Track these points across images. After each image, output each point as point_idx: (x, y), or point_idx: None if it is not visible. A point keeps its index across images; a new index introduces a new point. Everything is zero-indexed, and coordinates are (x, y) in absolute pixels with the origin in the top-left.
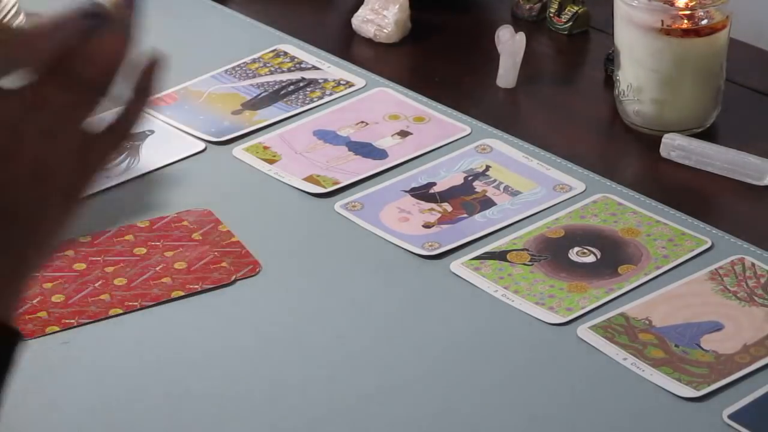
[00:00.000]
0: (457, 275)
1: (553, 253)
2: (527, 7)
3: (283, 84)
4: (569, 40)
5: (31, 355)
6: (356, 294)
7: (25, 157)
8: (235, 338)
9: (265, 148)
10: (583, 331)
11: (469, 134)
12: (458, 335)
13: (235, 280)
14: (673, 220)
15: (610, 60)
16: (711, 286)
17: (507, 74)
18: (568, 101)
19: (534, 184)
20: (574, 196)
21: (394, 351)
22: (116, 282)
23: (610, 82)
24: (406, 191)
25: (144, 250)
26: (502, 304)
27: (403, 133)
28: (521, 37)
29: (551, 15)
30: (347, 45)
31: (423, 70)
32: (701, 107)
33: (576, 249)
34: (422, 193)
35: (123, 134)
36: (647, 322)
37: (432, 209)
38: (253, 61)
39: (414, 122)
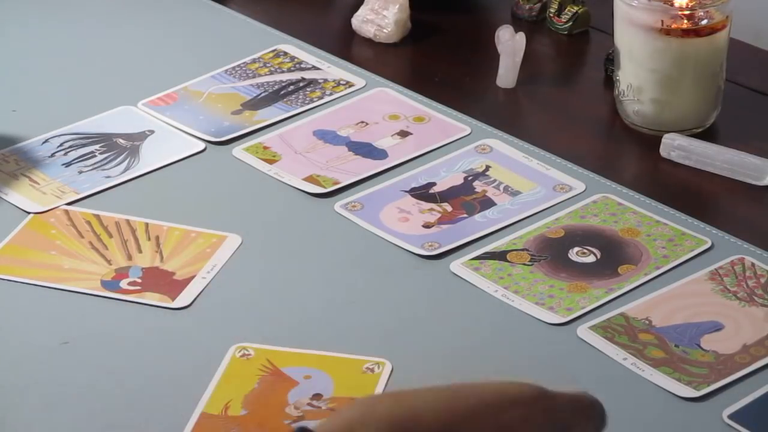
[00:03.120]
0: (457, 275)
1: (553, 253)
2: (527, 7)
3: (283, 84)
4: (569, 40)
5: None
6: (356, 294)
7: None
8: (232, 339)
9: (265, 148)
10: (583, 331)
11: (469, 134)
12: (458, 335)
13: None
14: (673, 220)
15: (610, 60)
16: (711, 286)
17: (507, 74)
18: (568, 101)
19: (534, 184)
20: (574, 196)
21: (394, 351)
22: None
23: (610, 82)
24: (406, 191)
25: None
26: (502, 304)
27: (403, 133)
28: (521, 37)
29: (551, 15)
30: (347, 45)
31: (423, 70)
32: (701, 107)
33: (576, 249)
34: (422, 193)
35: None
36: (647, 322)
37: (432, 209)
38: (253, 61)
39: (414, 122)
